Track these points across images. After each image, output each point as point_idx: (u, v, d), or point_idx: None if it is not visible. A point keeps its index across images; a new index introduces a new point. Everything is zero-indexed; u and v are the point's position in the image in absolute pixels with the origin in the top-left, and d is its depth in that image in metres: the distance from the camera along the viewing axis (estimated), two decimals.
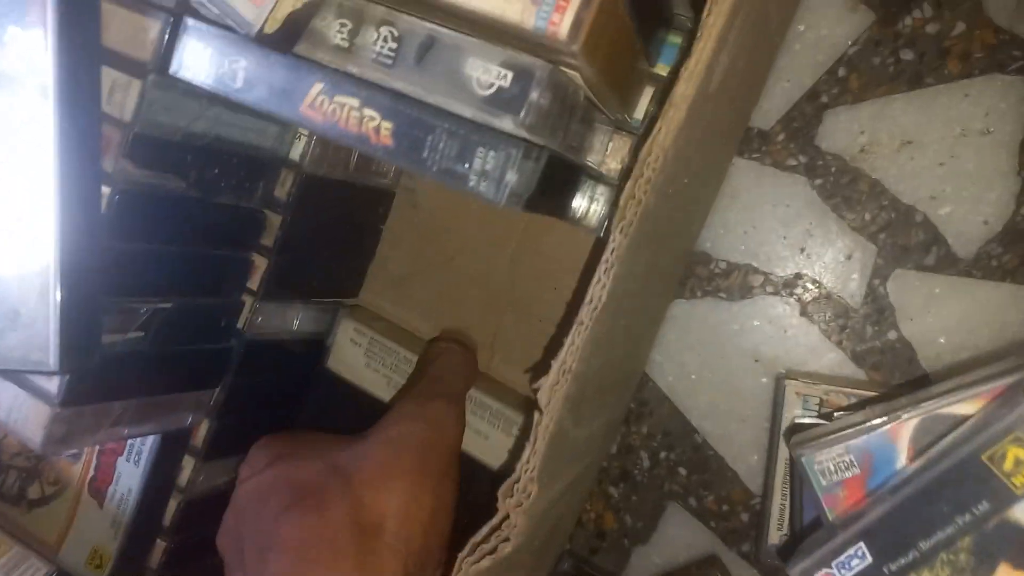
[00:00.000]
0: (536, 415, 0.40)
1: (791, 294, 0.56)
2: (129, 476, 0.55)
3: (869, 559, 0.39)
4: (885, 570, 0.39)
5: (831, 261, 0.55)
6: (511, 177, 0.35)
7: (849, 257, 0.55)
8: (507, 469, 0.42)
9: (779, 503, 0.54)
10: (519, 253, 0.63)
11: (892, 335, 0.54)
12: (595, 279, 0.38)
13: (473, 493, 0.52)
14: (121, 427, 0.48)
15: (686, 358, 0.59)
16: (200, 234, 0.50)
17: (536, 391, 0.41)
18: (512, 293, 0.63)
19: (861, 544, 0.39)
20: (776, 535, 0.54)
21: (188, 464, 0.57)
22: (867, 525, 0.39)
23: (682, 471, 0.59)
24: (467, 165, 0.35)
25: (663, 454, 0.60)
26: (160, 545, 0.58)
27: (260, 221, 0.54)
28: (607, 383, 0.49)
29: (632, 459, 0.61)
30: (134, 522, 0.56)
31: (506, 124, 0.34)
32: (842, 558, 0.39)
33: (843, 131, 0.55)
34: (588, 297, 0.38)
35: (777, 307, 0.57)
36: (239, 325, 0.55)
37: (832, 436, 0.42)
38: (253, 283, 0.55)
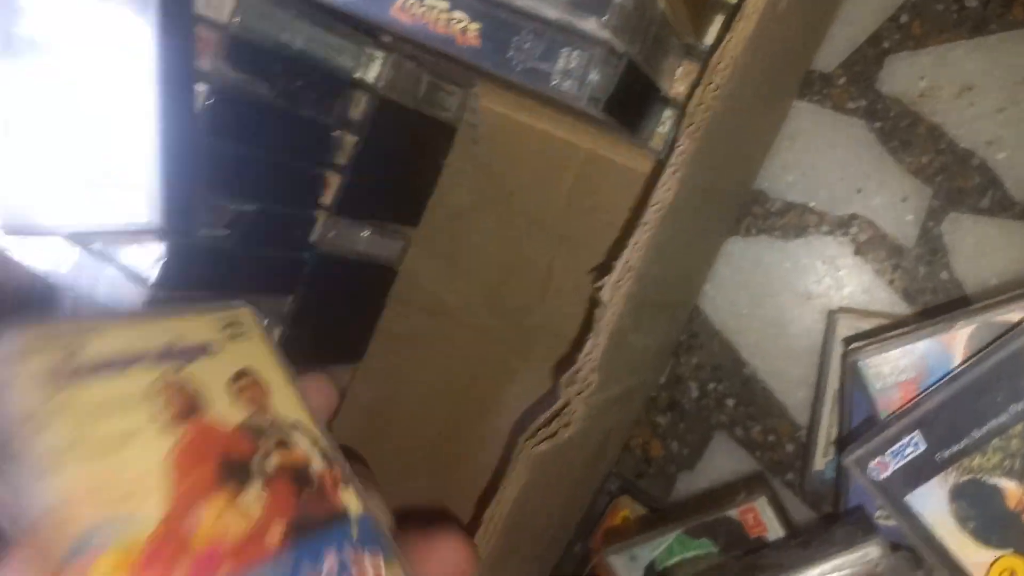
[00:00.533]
0: (598, 310, 0.43)
1: (845, 234, 0.58)
2: None
3: (923, 447, 0.41)
4: (937, 457, 0.41)
5: (886, 202, 0.57)
6: (593, 77, 0.37)
7: (904, 199, 0.57)
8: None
9: (825, 434, 0.56)
10: (575, 191, 0.65)
11: (944, 275, 0.55)
12: (660, 183, 0.40)
13: None
14: None
15: (738, 294, 0.61)
16: (283, 144, 0.53)
17: (599, 289, 0.43)
18: (567, 228, 0.66)
19: (916, 432, 0.41)
20: (822, 462, 0.56)
21: None
22: (922, 415, 0.41)
23: (730, 402, 0.62)
24: (551, 64, 0.37)
25: (712, 385, 0.62)
26: None
27: (336, 139, 0.57)
28: (663, 299, 0.51)
29: (681, 389, 0.63)
30: None
31: (590, 25, 0.37)
32: (896, 446, 0.41)
33: (904, 76, 0.57)
34: (653, 200, 0.41)
35: (831, 247, 0.58)
36: (312, 239, 0.58)
37: (888, 342, 0.44)
38: (326, 198, 0.58)
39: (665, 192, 0.40)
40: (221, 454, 0.32)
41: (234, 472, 0.33)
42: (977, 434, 0.41)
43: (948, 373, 0.43)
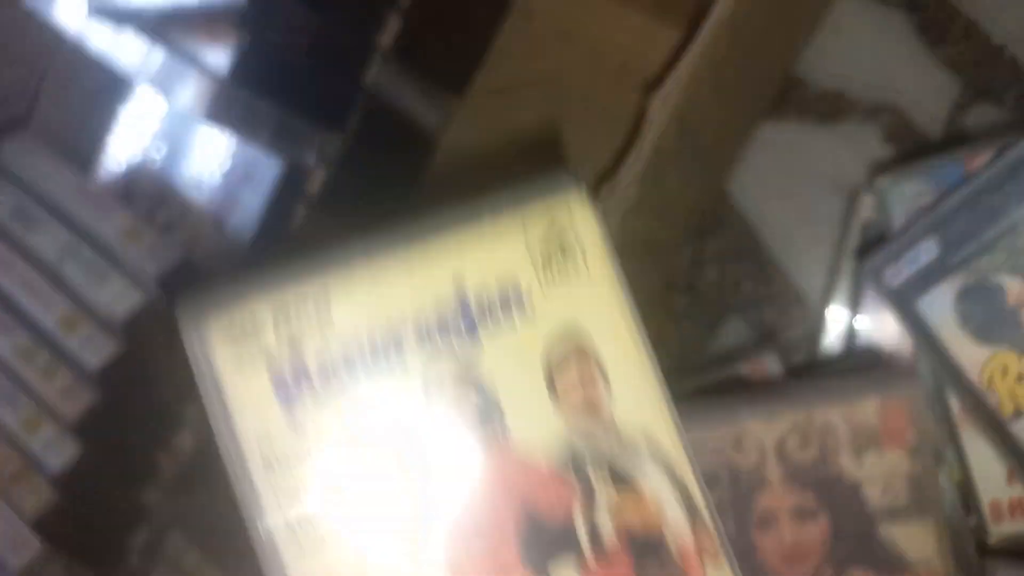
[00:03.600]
0: (644, 123, 0.46)
1: (876, 121, 0.62)
2: (250, 205, 0.63)
3: (936, 252, 0.45)
4: (949, 261, 0.44)
5: (917, 93, 0.61)
6: None
7: (936, 89, 0.60)
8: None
9: (837, 316, 0.59)
10: (626, 67, 0.68)
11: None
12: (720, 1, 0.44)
13: None
14: (263, 132, 0.55)
15: (767, 178, 0.65)
16: None
17: (647, 103, 0.47)
18: (616, 109, 0.69)
19: (931, 239, 0.45)
20: (831, 341, 0.60)
21: (299, 212, 0.64)
22: (936, 219, 0.44)
23: (747, 285, 0.65)
24: None
25: (731, 267, 0.66)
26: None
27: None
28: (703, 141, 0.54)
29: (699, 272, 0.66)
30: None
31: None
32: (911, 252, 0.45)
33: None
34: (710, 15, 0.44)
35: (862, 134, 0.62)
36: (367, 80, 0.62)
37: (912, 168, 0.48)
38: (385, 38, 0.61)
39: (723, 9, 0.43)
40: (522, 511, 0.23)
41: (540, 543, 0.23)
42: (988, 235, 0.44)
43: (963, 182, 0.46)
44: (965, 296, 0.45)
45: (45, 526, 0.57)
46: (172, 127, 0.65)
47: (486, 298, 0.22)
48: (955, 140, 0.59)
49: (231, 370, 0.24)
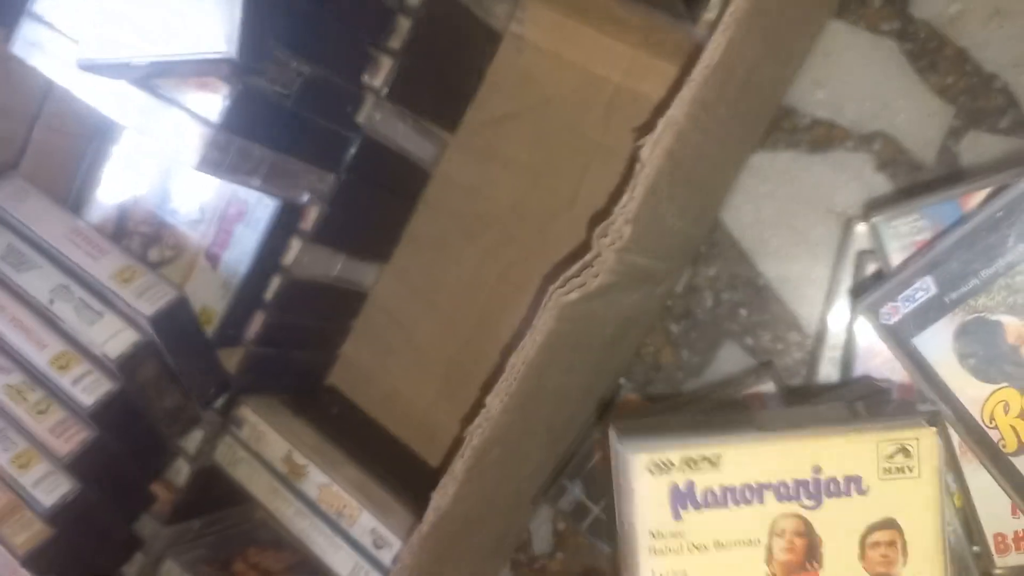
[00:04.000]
0: (638, 166, 0.47)
1: (869, 150, 0.62)
2: (245, 241, 0.63)
3: (933, 290, 0.45)
4: (947, 299, 0.45)
5: (910, 120, 0.61)
6: None
7: (928, 117, 0.61)
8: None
9: (833, 342, 0.60)
10: (616, 99, 0.69)
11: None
12: (710, 43, 0.44)
13: None
14: (256, 177, 0.55)
15: (761, 205, 0.65)
16: (348, 9, 0.57)
17: (640, 148, 0.47)
18: (604, 138, 0.70)
19: (927, 277, 0.45)
20: (827, 370, 0.60)
21: (295, 245, 0.65)
22: (934, 258, 0.45)
23: (743, 312, 0.65)
24: None
25: (726, 295, 0.66)
26: (259, 318, 0.66)
27: (393, 22, 0.61)
28: (697, 178, 0.55)
29: (696, 298, 0.67)
30: (243, 284, 0.63)
31: None
32: (908, 291, 0.45)
33: (936, 0, 0.61)
34: (702, 58, 0.44)
35: (855, 161, 0.62)
36: (359, 119, 0.62)
37: (907, 205, 0.48)
38: (377, 80, 0.62)
39: (714, 51, 0.44)
40: None
41: None
42: (985, 274, 0.44)
43: (960, 221, 0.46)
44: (963, 334, 0.45)
45: (37, 561, 0.57)
46: (164, 169, 0.66)
47: (833, 480, 0.31)
48: (949, 173, 0.59)
49: (641, 480, 0.34)
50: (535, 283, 0.67)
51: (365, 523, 0.60)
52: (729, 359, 0.66)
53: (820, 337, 0.60)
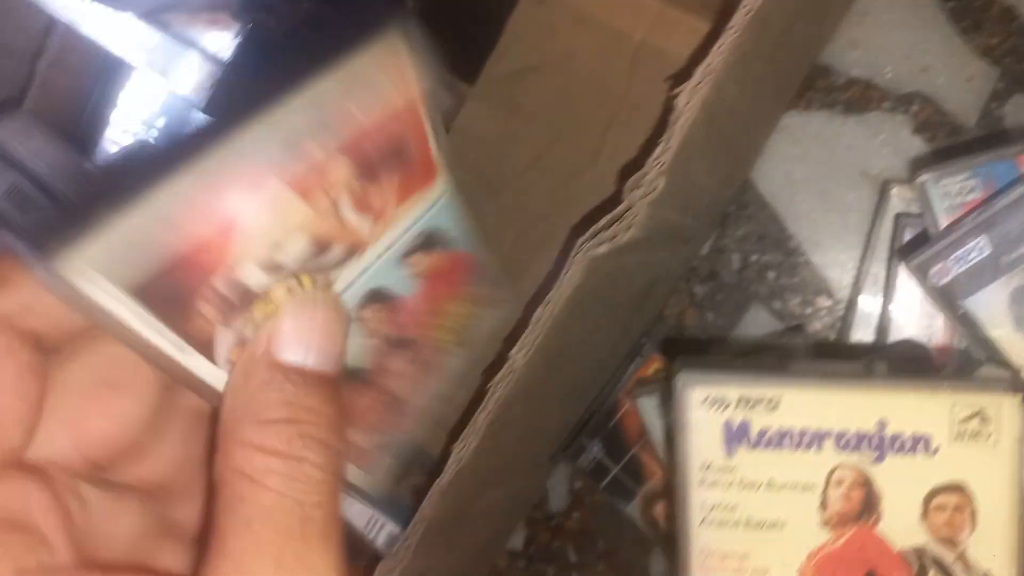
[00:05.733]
0: (672, 115, 0.46)
1: (906, 112, 0.61)
2: None
3: (988, 251, 0.44)
4: (1002, 261, 0.44)
5: (950, 82, 0.60)
6: None
7: (969, 79, 0.60)
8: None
9: (866, 308, 0.59)
10: (640, 54, 0.68)
11: None
12: None
13: None
14: None
15: (793, 167, 0.64)
16: None
17: (675, 97, 0.46)
18: (628, 94, 0.69)
19: (983, 237, 0.44)
20: (859, 334, 0.59)
21: None
22: (989, 218, 0.43)
23: (771, 274, 0.65)
24: None
25: (754, 257, 0.65)
26: None
27: None
28: (729, 136, 0.54)
29: (723, 260, 0.66)
30: None
31: None
32: (961, 251, 0.44)
33: None
34: (741, 5, 0.43)
35: (891, 123, 0.61)
36: None
37: (957, 163, 0.47)
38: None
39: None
40: (865, 570, 0.33)
41: None
42: None
43: (1019, 180, 0.45)
44: (1020, 297, 0.44)
45: None
46: (172, 109, 0.65)
47: (899, 437, 0.31)
48: (991, 135, 0.58)
49: (696, 414, 0.35)
50: (557, 241, 0.66)
51: None
52: (755, 323, 0.65)
53: (852, 302, 0.60)
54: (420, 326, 0.34)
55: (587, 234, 0.48)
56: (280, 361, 0.26)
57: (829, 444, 0.33)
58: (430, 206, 0.33)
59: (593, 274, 0.49)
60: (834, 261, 0.63)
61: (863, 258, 0.60)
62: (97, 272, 0.23)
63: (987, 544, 0.32)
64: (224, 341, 0.26)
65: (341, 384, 0.27)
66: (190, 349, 0.26)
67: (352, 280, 0.30)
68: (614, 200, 0.49)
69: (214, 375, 0.26)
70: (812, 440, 0.33)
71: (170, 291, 0.25)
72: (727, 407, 0.34)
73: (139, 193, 0.23)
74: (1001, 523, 0.32)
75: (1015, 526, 0.32)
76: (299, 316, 0.27)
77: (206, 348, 0.26)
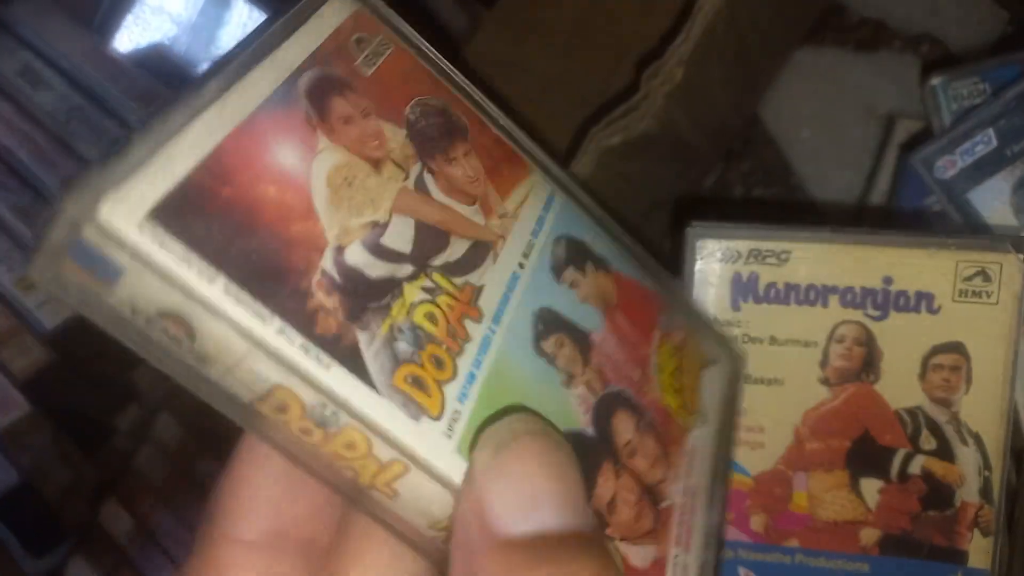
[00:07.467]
0: (696, 6, 0.47)
1: (916, 52, 0.63)
2: None
3: (994, 143, 0.46)
4: (1007, 152, 0.46)
5: (960, 24, 0.62)
6: None
7: (980, 22, 0.62)
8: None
9: None
10: None
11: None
12: None
13: None
14: None
15: (800, 104, 0.66)
16: None
17: None
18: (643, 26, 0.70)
19: (989, 130, 0.46)
20: None
21: None
22: (997, 110, 0.45)
23: (773, 209, 0.67)
24: None
25: (758, 191, 0.67)
26: None
27: None
28: (746, 48, 0.56)
29: (725, 193, 0.68)
30: None
31: None
32: (967, 144, 0.46)
33: None
34: None
35: (900, 63, 0.64)
36: None
37: (968, 67, 0.49)
38: None
39: None
40: (861, 435, 0.34)
41: (863, 456, 0.32)
42: None
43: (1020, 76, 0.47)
44: (1022, 187, 0.46)
45: (33, 389, 0.58)
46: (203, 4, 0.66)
47: (903, 294, 0.31)
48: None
49: (704, 265, 0.35)
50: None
51: None
52: None
53: None
54: (629, 380, 0.27)
55: (601, 123, 0.50)
56: (506, 540, 0.19)
57: (835, 300, 0.34)
58: (544, 205, 0.28)
59: (602, 170, 0.50)
60: (835, 196, 0.65)
61: (864, 190, 0.62)
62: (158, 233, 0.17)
63: (979, 405, 0.33)
64: (374, 351, 0.20)
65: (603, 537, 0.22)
66: (328, 358, 0.19)
67: (504, 292, 0.24)
68: (631, 89, 0.50)
69: (380, 409, 0.19)
70: (818, 296, 0.34)
71: (266, 263, 0.19)
72: (737, 259, 0.35)
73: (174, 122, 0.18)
74: (993, 383, 0.33)
75: (1006, 386, 0.33)
76: (505, 467, 0.20)
77: (350, 356, 0.19)
